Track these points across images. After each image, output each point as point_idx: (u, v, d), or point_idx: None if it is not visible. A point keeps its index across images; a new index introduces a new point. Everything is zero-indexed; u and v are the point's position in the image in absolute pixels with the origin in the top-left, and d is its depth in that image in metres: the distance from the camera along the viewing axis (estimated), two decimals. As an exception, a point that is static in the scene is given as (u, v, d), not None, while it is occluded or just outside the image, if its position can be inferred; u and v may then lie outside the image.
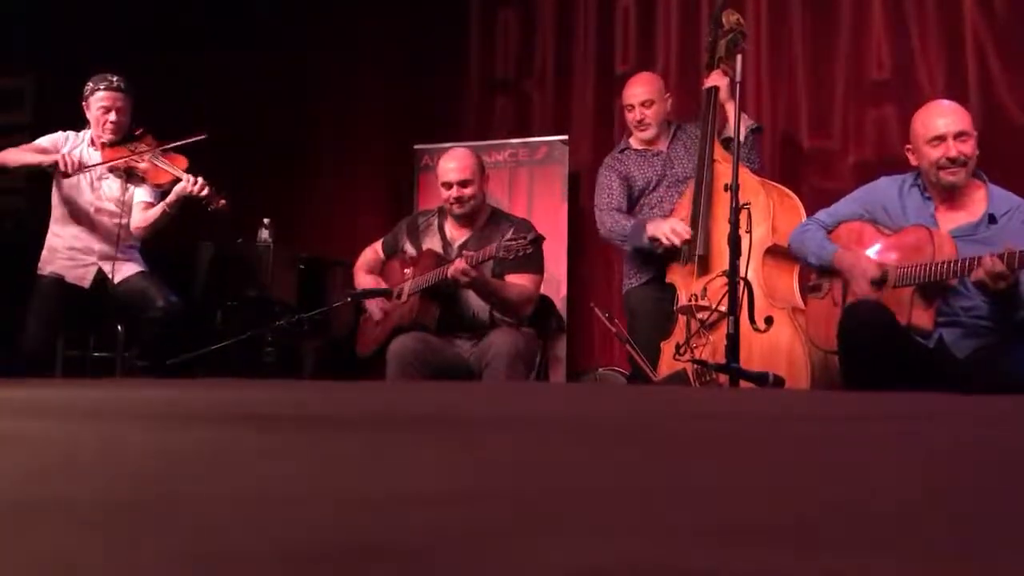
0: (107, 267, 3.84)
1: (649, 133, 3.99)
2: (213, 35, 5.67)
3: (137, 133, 3.95)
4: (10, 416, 1.58)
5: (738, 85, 3.22)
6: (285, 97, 5.72)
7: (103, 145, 3.91)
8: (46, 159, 3.77)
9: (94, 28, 5.52)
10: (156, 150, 3.87)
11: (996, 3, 4.39)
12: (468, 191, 3.74)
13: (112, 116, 3.87)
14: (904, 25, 4.56)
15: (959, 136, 3.01)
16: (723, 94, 3.77)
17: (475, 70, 5.59)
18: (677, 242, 3.59)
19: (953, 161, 3.00)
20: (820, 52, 4.72)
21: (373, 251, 4.03)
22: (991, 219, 2.99)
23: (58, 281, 3.84)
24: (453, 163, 3.79)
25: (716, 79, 3.78)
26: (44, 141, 3.94)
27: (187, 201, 3.80)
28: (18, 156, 3.84)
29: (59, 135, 3.97)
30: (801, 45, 4.76)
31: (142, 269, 3.91)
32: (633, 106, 4.00)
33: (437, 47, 5.63)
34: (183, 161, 3.90)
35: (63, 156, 3.75)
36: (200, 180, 3.77)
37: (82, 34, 5.53)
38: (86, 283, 3.86)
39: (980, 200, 3.04)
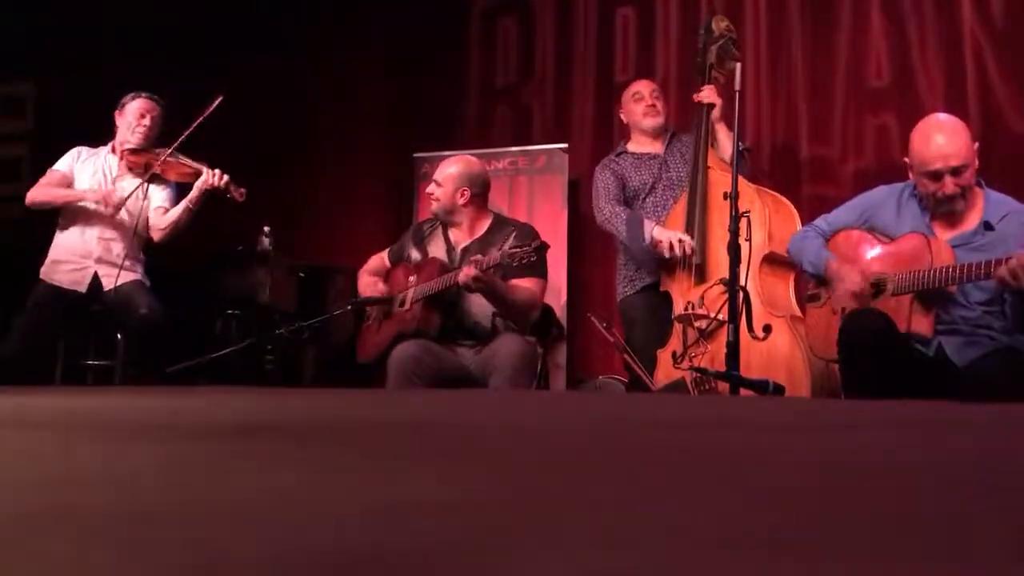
0: (102, 271, 3.88)
1: (659, 121, 4.07)
2: (213, 42, 5.67)
3: (159, 149, 4.07)
4: (10, 424, 1.58)
5: (738, 93, 3.22)
6: (285, 105, 5.72)
7: (125, 152, 4.02)
8: (89, 197, 3.91)
9: (95, 34, 5.53)
10: (174, 151, 3.98)
11: (995, 10, 4.41)
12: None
13: (146, 120, 4.03)
14: (903, 32, 4.57)
15: (956, 171, 2.94)
16: (716, 113, 3.79)
17: (475, 78, 5.61)
18: (679, 254, 3.60)
19: (950, 197, 2.98)
20: (819, 60, 4.74)
21: (380, 259, 4.04)
22: (987, 226, 2.98)
23: (54, 289, 3.88)
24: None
25: (711, 96, 3.79)
26: (62, 166, 4.04)
27: (208, 197, 3.93)
28: (64, 194, 3.95)
29: (72, 155, 4.06)
30: (800, 53, 4.77)
31: (138, 279, 3.94)
32: (643, 94, 4.08)
33: (437, 55, 5.64)
34: (203, 163, 4.00)
35: (104, 195, 3.88)
36: (219, 172, 3.91)
37: (83, 40, 5.54)
38: (82, 288, 3.89)
39: (977, 208, 3.03)
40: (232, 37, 5.69)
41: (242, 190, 3.94)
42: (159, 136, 4.09)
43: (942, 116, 3.22)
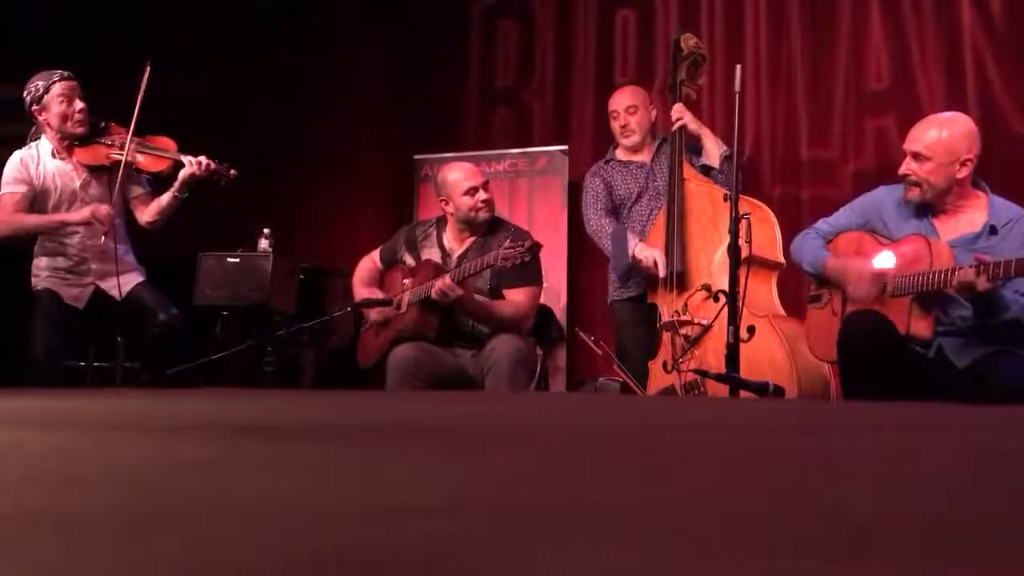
0: (105, 284, 3.65)
1: (633, 139, 4.01)
2: (213, 41, 5.67)
3: (102, 126, 3.67)
4: (10, 426, 1.58)
5: (737, 94, 3.21)
6: (285, 107, 5.72)
7: (72, 148, 3.62)
8: (74, 220, 3.53)
9: (94, 35, 5.53)
10: (134, 139, 3.60)
11: (995, 12, 4.41)
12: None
13: (78, 104, 3.59)
14: (903, 34, 4.57)
15: (917, 156, 3.00)
16: (690, 126, 3.78)
17: (475, 80, 5.61)
18: (656, 273, 3.62)
19: (903, 178, 3.02)
20: (819, 62, 4.74)
21: (371, 260, 4.02)
22: (992, 230, 2.98)
23: (55, 294, 3.63)
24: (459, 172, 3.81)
25: (678, 113, 3.78)
26: (16, 187, 3.59)
27: (198, 183, 3.60)
28: (36, 221, 3.58)
29: (17, 165, 3.63)
30: (800, 55, 4.77)
31: (142, 279, 3.73)
32: (618, 112, 4.04)
33: (437, 57, 5.64)
34: (170, 143, 3.70)
35: (93, 211, 3.51)
36: (203, 160, 3.57)
37: (82, 42, 5.54)
38: (81, 304, 3.64)
39: (981, 211, 3.02)
40: (232, 36, 5.68)
41: (233, 171, 3.62)
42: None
43: (951, 113, 3.24)
